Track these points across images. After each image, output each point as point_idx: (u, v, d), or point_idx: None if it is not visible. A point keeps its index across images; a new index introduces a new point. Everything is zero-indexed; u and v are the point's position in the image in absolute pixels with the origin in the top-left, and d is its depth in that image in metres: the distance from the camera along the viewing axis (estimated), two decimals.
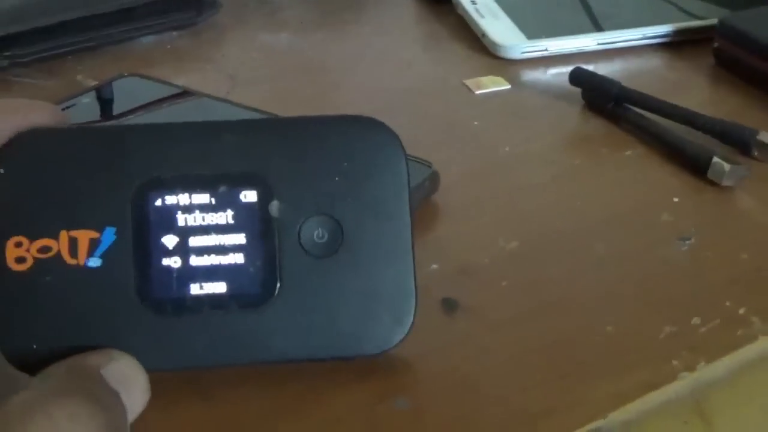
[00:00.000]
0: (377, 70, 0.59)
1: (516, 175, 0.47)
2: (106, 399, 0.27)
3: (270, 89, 0.56)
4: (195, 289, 0.32)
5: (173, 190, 0.32)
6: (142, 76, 0.53)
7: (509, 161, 0.48)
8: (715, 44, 0.58)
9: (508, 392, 0.33)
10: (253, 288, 0.32)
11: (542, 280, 0.40)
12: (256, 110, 0.49)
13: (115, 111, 0.51)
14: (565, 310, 0.38)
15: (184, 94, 0.51)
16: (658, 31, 0.60)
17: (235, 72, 0.58)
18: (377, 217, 0.33)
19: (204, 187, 0.32)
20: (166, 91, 0.51)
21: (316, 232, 0.32)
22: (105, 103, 0.51)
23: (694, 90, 0.56)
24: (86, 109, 0.49)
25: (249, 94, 0.54)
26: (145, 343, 0.31)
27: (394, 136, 0.33)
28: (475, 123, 0.52)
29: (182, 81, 0.54)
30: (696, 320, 0.37)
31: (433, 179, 0.44)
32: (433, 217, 0.44)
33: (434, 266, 0.40)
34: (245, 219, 0.32)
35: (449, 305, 0.38)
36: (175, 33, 0.62)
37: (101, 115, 0.50)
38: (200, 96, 0.51)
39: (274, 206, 0.32)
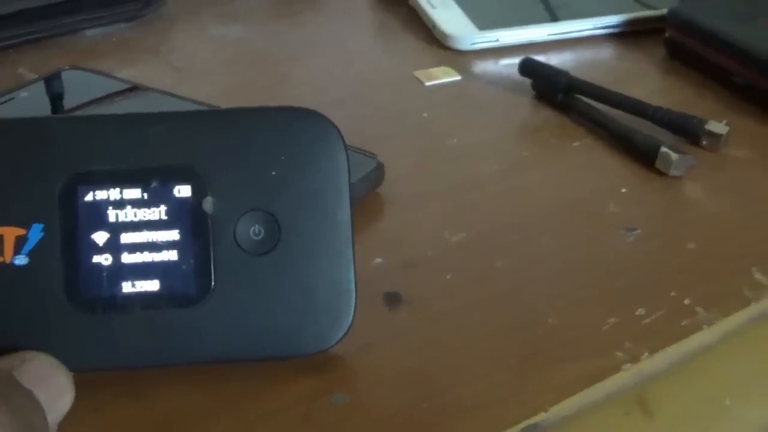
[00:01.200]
0: (328, 62, 0.58)
1: (464, 167, 0.47)
2: (16, 399, 0.27)
3: (218, 81, 0.55)
4: (126, 287, 0.31)
5: (103, 185, 0.31)
6: (83, 69, 0.52)
7: (458, 153, 0.48)
8: (666, 34, 0.58)
9: (447, 386, 0.33)
10: (187, 287, 0.31)
11: (487, 272, 0.39)
12: (200, 103, 0.48)
13: (54, 106, 0.50)
14: (509, 303, 0.37)
15: (127, 87, 0.50)
16: (609, 21, 0.60)
17: (183, 64, 0.57)
18: (316, 212, 0.32)
19: (135, 182, 0.31)
20: (108, 85, 0.50)
21: (252, 228, 0.32)
22: (44, 97, 0.50)
23: (645, 80, 0.56)
24: (24, 104, 0.48)
25: (197, 86, 0.53)
26: (75, 342, 0.31)
27: (333, 128, 0.32)
28: (425, 114, 0.52)
29: (127, 74, 0.53)
30: (641, 311, 0.37)
31: (378, 171, 0.44)
32: (377, 210, 0.43)
33: (378, 260, 0.40)
34: (179, 215, 0.32)
35: (392, 299, 0.37)
36: (122, 25, 0.61)
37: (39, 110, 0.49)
38: (144, 89, 0.50)
39: (208, 202, 0.32)
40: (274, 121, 0.32)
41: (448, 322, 0.36)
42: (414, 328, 0.36)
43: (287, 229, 0.32)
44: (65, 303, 0.31)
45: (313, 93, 0.54)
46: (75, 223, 0.31)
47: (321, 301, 0.32)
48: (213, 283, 0.32)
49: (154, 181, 0.32)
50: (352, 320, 0.32)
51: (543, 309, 0.37)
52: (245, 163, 0.32)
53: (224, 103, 0.46)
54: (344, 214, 0.32)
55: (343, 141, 0.33)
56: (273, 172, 0.32)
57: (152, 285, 0.32)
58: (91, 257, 0.31)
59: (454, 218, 0.43)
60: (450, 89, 0.55)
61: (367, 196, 0.43)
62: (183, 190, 0.32)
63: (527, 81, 0.53)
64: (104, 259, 0.31)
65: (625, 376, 0.34)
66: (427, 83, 0.55)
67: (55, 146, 0.31)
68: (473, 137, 0.49)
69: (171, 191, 0.32)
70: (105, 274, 0.31)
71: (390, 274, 0.39)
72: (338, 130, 0.32)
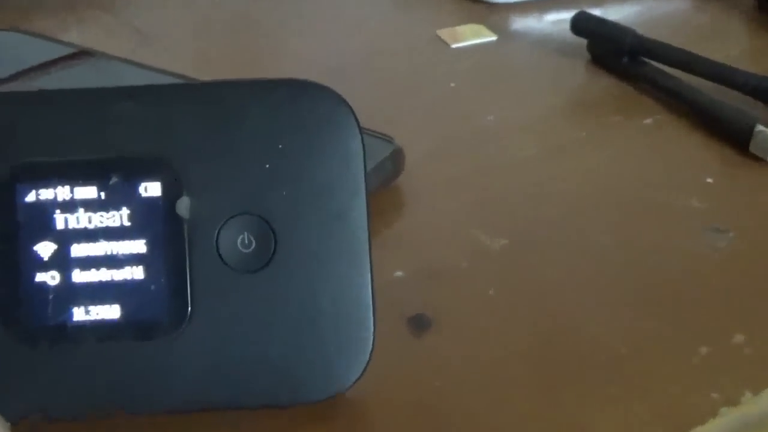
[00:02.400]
0: (328, 23, 0.58)
1: (503, 152, 0.46)
2: None
3: (190, 51, 0.55)
4: (79, 313, 0.31)
5: (49, 181, 0.31)
6: (21, 32, 0.52)
7: (494, 134, 0.48)
8: None
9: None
10: (156, 313, 0.31)
11: (535, 287, 0.38)
12: (171, 75, 0.47)
13: None
14: (565, 326, 0.36)
15: (77, 53, 0.50)
16: None
17: (146, 25, 0.57)
18: (323, 216, 0.31)
19: (90, 177, 0.31)
20: (54, 51, 0.50)
21: (240, 237, 0.31)
22: None
23: (731, 40, 0.56)
24: None
25: (163, 54, 0.53)
26: (13, 384, 0.30)
27: (344, 106, 0.32)
28: (452, 85, 0.52)
29: (74, 37, 0.53)
30: (739, 338, 0.36)
31: (396, 158, 0.43)
32: (395, 207, 0.43)
33: (398, 273, 0.39)
34: (146, 220, 0.31)
35: (418, 323, 0.37)
36: None
37: None
38: (96, 56, 0.50)
39: (184, 203, 0.31)
40: (269, 98, 0.31)
41: (489, 352, 0.35)
42: (446, 359, 0.35)
43: (285, 239, 0.31)
44: (1, 334, 0.30)
45: (308, 63, 0.54)
46: (12, 231, 0.30)
47: (329, 333, 0.31)
48: (189, 309, 0.31)
49: (114, 177, 0.31)
50: (370, 356, 0.32)
51: (609, 333, 0.36)
52: (231, 153, 0.31)
53: (199, 77, 0.46)
54: (359, 217, 0.31)
55: (358, 122, 0.32)
56: (267, 165, 0.31)
57: (111, 311, 0.31)
58: (33, 275, 0.31)
59: (491, 217, 0.42)
60: (483, 53, 0.54)
61: (382, 190, 0.43)
62: (151, 188, 0.31)
63: (581, 42, 0.53)
64: (50, 278, 0.31)
65: (723, 423, 0.33)
66: (454, 45, 0.55)
67: None
68: (513, 113, 0.49)
69: (136, 190, 0.31)
70: (51, 297, 0.31)
71: (414, 292, 0.38)
72: (350, 109, 0.32)
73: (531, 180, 0.44)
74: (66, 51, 0.50)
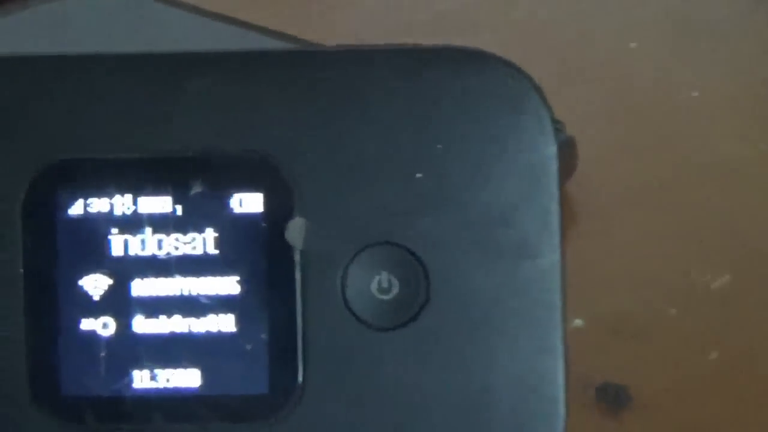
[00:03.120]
0: None
1: (714, 146, 0.46)
2: None
3: None
4: (141, 379, 0.30)
5: (102, 188, 0.30)
6: None
7: (700, 118, 0.48)
8: None
9: None
10: (253, 384, 0.30)
11: None
12: (233, 22, 0.48)
13: None
14: None
15: None
16: None
17: None
18: (497, 252, 0.30)
19: (161, 184, 0.30)
20: None
21: (377, 278, 0.30)
22: None
23: None
24: None
25: None
26: None
27: (534, 92, 0.30)
28: (632, 45, 0.51)
29: None
30: None
31: (567, 152, 0.43)
32: (567, 224, 0.41)
33: (577, 322, 0.39)
34: (240, 248, 0.30)
35: (611, 397, 0.36)
36: None
37: None
38: None
39: (297, 226, 0.30)
40: (421, 76, 0.30)
41: None
42: None
43: (442, 282, 0.30)
44: (28, 405, 0.30)
45: (403, 13, 0.54)
46: (49, 258, 0.30)
47: (502, 419, 0.30)
48: (300, 380, 0.30)
49: (196, 184, 0.30)
50: None
51: None
52: (366, 156, 0.30)
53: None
54: (550, 255, 0.30)
55: (553, 118, 0.30)
56: (418, 174, 0.30)
57: (188, 378, 0.30)
58: (78, 322, 0.30)
59: (704, 243, 0.42)
60: None
61: None
62: (249, 202, 0.30)
63: None
64: (102, 326, 0.30)
65: None
66: None
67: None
68: (727, 87, 0.50)
69: (226, 203, 0.30)
70: (103, 354, 0.30)
71: (602, 349, 0.38)
72: (544, 97, 0.30)
73: (758, 188, 0.44)
74: None
